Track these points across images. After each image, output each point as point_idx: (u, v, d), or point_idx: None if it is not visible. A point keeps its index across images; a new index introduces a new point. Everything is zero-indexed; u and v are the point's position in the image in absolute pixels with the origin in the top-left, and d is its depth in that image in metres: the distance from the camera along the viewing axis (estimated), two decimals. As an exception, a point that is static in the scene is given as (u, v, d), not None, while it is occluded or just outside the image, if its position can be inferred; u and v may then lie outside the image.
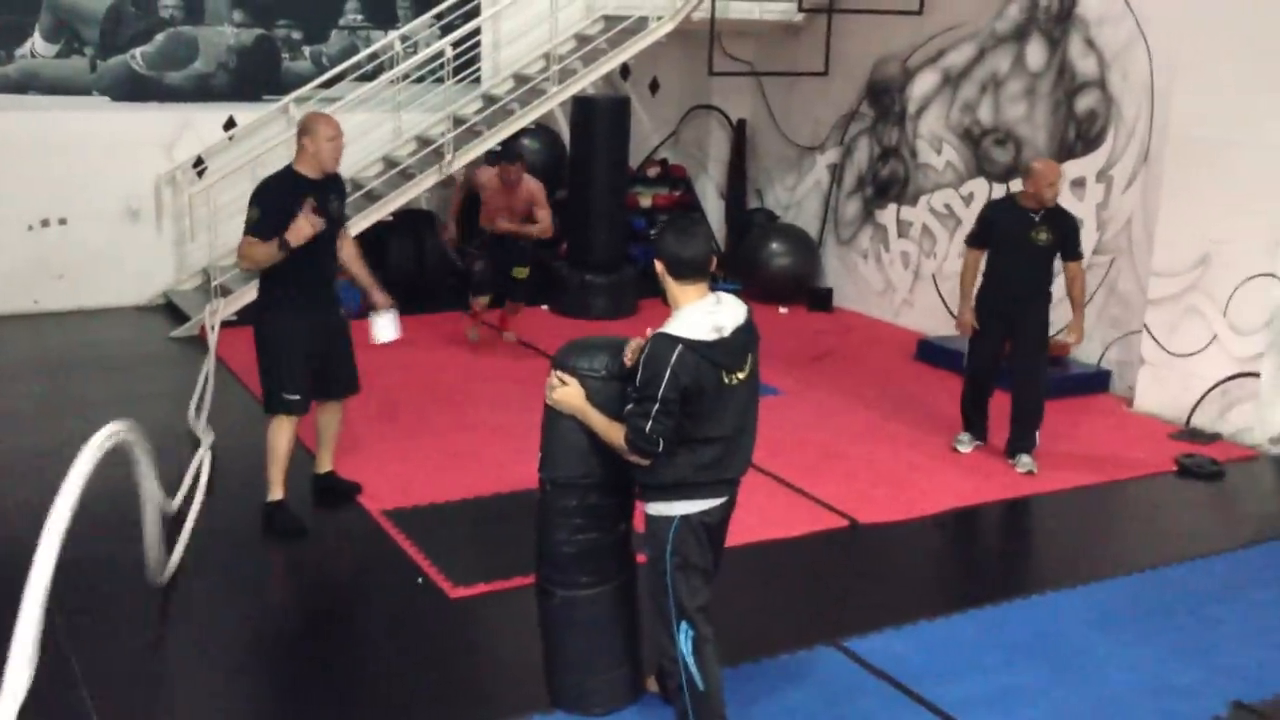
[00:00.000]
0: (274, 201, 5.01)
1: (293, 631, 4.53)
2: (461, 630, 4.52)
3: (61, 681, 3.93)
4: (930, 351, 8.59)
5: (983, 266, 6.47)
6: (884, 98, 9.79)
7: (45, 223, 9.10)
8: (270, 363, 5.21)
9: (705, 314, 3.40)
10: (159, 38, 9.30)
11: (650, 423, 3.33)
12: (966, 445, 6.66)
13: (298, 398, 5.22)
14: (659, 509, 3.50)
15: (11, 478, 5.78)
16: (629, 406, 3.41)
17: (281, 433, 5.26)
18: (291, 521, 5.32)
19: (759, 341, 3.59)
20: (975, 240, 6.49)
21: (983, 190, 8.92)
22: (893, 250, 9.82)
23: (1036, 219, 6.25)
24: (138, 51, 9.24)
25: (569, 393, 3.59)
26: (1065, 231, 6.32)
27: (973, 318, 6.47)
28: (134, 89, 9.26)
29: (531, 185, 8.09)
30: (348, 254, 5.51)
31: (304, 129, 5.11)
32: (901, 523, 5.66)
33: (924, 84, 9.39)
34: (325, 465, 5.71)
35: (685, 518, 3.47)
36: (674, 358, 3.31)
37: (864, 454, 6.56)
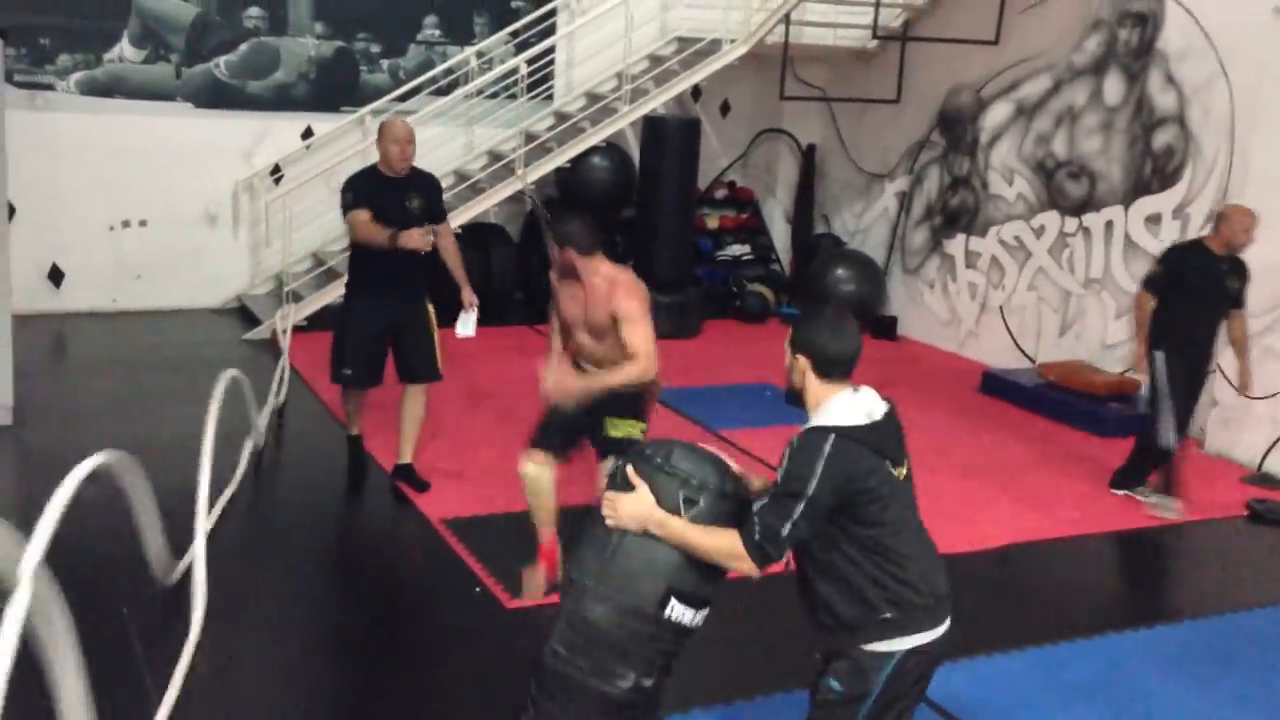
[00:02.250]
0: (362, 189, 5.61)
1: (350, 634, 4.59)
2: (516, 641, 4.54)
3: (127, 671, 4.01)
4: (995, 384, 8.50)
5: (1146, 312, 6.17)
6: (956, 127, 9.73)
7: (126, 224, 9.34)
8: (339, 339, 5.79)
9: (850, 400, 2.90)
10: (243, 47, 9.52)
11: (788, 525, 2.74)
12: (1171, 511, 6.22)
13: (351, 373, 5.76)
14: (874, 646, 2.87)
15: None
16: (761, 503, 2.83)
17: (350, 400, 5.98)
18: (359, 459, 6.03)
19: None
20: (1155, 285, 6.11)
21: (1054, 223, 8.82)
22: (960, 281, 9.75)
23: (1225, 267, 6.06)
24: (222, 60, 9.47)
25: (637, 501, 2.92)
26: (1244, 279, 6.15)
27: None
28: (216, 96, 9.48)
29: (612, 278, 4.47)
30: (446, 249, 5.88)
31: (379, 131, 5.71)
32: (960, 555, 5.58)
33: (997, 114, 9.32)
34: (405, 456, 6.02)
35: (908, 654, 2.88)
36: (828, 447, 2.75)
37: (924, 484, 6.41)
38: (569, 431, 4.57)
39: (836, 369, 2.90)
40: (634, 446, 3.57)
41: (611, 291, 4.40)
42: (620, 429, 4.51)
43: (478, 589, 4.88)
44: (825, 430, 2.80)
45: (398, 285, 5.64)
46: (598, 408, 4.44)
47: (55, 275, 9.18)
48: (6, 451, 6.25)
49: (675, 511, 2.91)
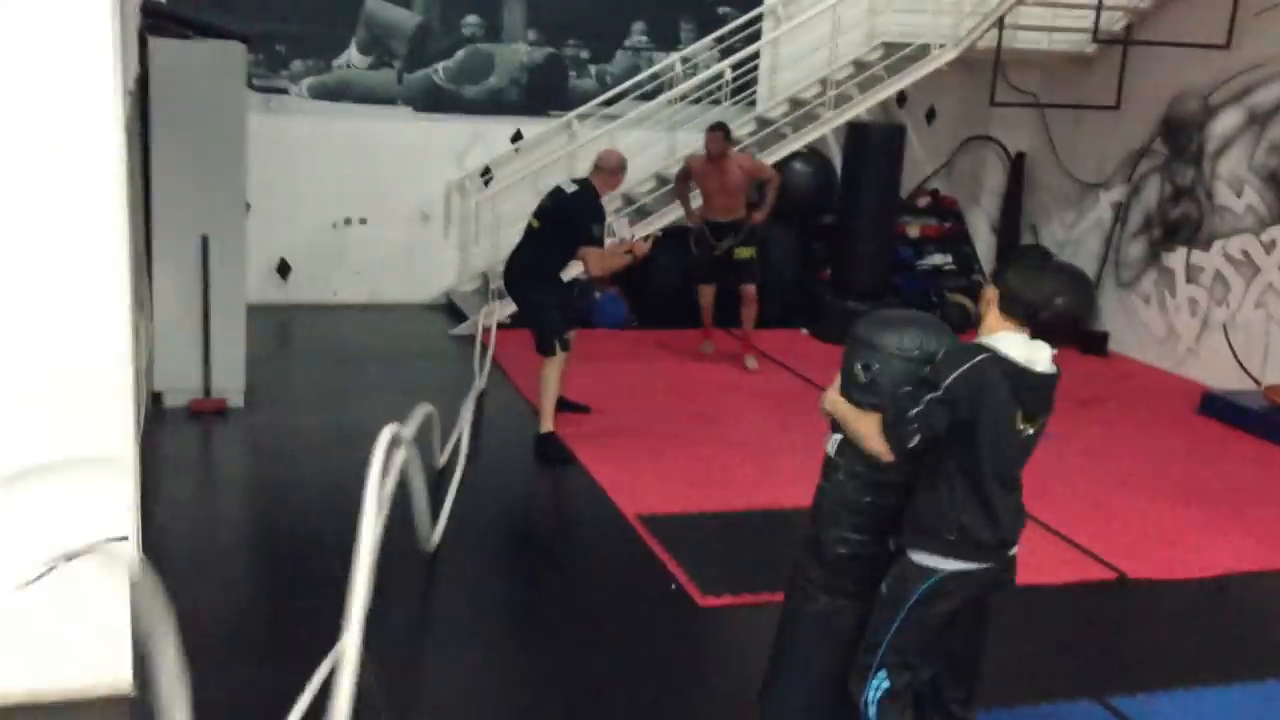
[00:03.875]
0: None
1: (546, 622, 4.70)
2: (708, 638, 4.58)
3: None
4: (1216, 406, 8.03)
5: None
6: (1180, 135, 9.24)
7: (348, 221, 9.85)
8: (555, 315, 6.48)
9: (1016, 339, 3.06)
10: (460, 54, 9.91)
11: (917, 410, 2.95)
12: None
13: (570, 336, 6.58)
14: (923, 558, 3.12)
15: (305, 456, 6.28)
16: (903, 390, 3.05)
17: (556, 370, 6.42)
18: (562, 451, 6.33)
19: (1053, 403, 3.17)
20: None
21: (1287, 237, 8.28)
22: (1179, 296, 9.25)
23: None
24: (440, 66, 9.88)
25: (831, 390, 3.27)
26: None
27: None
28: (434, 101, 9.90)
29: (742, 160, 8.35)
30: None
31: (623, 165, 6.76)
32: (1174, 581, 5.31)
33: (1227, 122, 8.81)
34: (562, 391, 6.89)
35: (949, 576, 3.10)
36: (976, 358, 2.98)
37: (1137, 506, 6.20)
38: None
39: (1018, 310, 3.06)
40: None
41: (745, 166, 8.25)
42: (744, 253, 8.33)
43: (672, 585, 4.93)
44: (980, 347, 3.03)
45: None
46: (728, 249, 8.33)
47: (283, 268, 9.76)
48: (241, 431, 6.71)
49: (856, 379, 3.16)
